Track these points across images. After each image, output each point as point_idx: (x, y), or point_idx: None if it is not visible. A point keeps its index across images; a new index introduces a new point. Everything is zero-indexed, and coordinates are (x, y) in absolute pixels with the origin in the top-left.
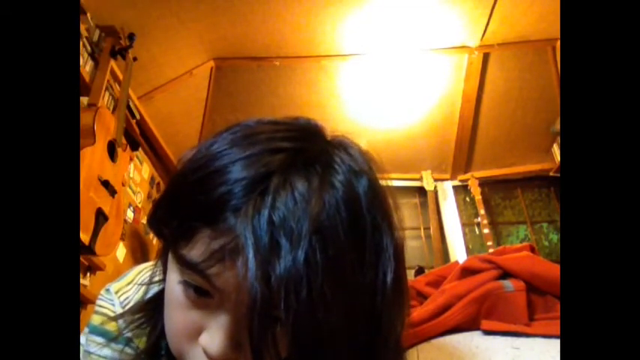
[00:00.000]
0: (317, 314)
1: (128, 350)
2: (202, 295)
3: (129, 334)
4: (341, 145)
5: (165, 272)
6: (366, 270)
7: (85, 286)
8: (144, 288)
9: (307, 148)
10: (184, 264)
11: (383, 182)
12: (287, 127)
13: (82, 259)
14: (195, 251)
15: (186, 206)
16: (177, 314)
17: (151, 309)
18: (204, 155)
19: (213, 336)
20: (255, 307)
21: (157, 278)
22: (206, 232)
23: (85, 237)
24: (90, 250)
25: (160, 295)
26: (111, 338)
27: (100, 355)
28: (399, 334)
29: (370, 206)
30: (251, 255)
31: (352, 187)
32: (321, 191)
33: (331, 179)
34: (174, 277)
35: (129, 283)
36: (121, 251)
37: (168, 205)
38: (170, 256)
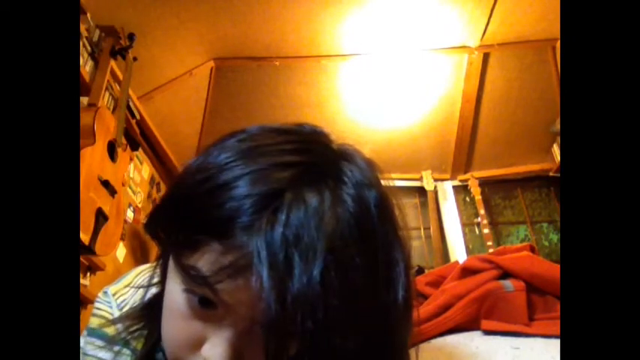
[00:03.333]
0: (333, 335)
1: (126, 352)
2: (206, 306)
3: (127, 337)
4: (348, 155)
5: (164, 277)
6: (379, 287)
7: (85, 286)
8: (141, 291)
9: (316, 161)
10: (191, 276)
11: (387, 188)
12: (294, 138)
13: (82, 259)
14: (202, 263)
15: (191, 218)
16: (178, 323)
17: (147, 315)
18: (211, 166)
19: (218, 348)
20: (271, 326)
21: (155, 281)
22: (213, 245)
23: (85, 237)
24: (90, 250)
25: (156, 301)
26: (109, 341)
27: (98, 358)
28: (407, 349)
29: (381, 220)
30: (265, 273)
31: (363, 201)
32: (334, 207)
33: (341, 194)
34: (176, 286)
35: (126, 286)
36: (121, 251)
37: (172, 213)
38: (172, 264)
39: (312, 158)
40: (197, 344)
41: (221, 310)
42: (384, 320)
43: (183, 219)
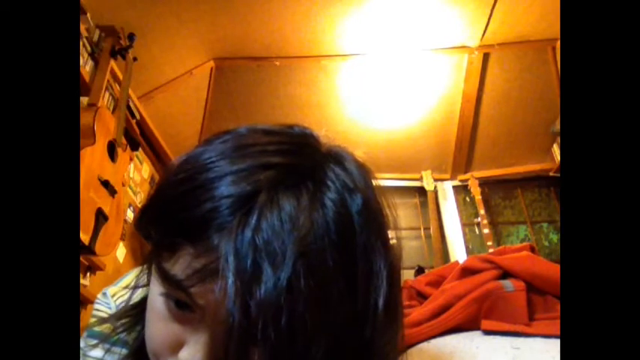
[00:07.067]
0: (296, 344)
1: (117, 350)
2: (184, 309)
3: (125, 337)
4: (337, 158)
5: (149, 278)
6: (356, 296)
7: (85, 286)
8: (138, 292)
9: (299, 163)
10: (166, 279)
11: (381, 193)
12: (280, 139)
13: (82, 259)
14: (178, 266)
15: (170, 219)
16: (158, 325)
17: (136, 314)
18: (193, 166)
19: (194, 352)
20: (232, 331)
21: (142, 283)
22: (188, 248)
23: (85, 237)
24: (90, 250)
25: (144, 300)
26: (104, 339)
27: (96, 358)
28: None
29: (363, 227)
30: (230, 279)
31: (345, 207)
32: (311, 211)
33: (322, 197)
34: (156, 288)
35: (125, 287)
36: (121, 251)
37: (153, 214)
38: (153, 266)
39: (296, 160)
40: (176, 347)
41: (198, 314)
42: (360, 330)
43: (163, 220)
